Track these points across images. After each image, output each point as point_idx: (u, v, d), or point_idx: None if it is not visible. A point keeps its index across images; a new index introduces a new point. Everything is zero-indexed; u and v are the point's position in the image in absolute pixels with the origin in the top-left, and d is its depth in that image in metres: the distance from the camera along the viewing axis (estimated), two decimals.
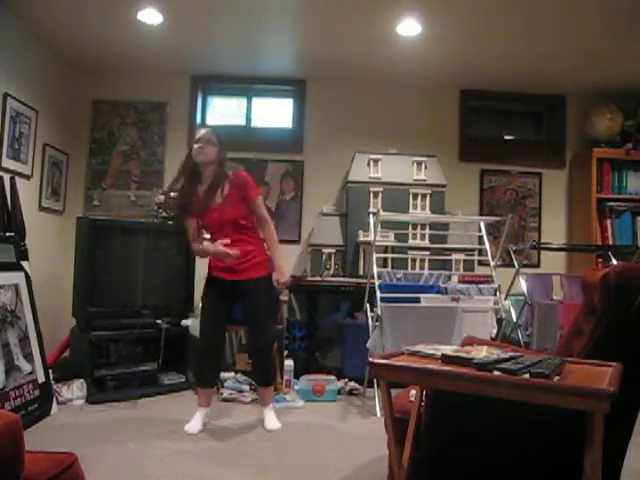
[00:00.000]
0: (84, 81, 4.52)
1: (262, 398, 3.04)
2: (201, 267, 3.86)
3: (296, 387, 3.62)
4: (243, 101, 4.85)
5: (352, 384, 3.71)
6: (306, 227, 4.54)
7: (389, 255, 4.03)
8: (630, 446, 1.53)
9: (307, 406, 3.41)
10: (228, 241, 2.81)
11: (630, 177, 4.42)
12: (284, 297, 4.08)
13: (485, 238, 3.74)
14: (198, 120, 4.70)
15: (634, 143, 4.37)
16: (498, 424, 1.50)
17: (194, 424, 2.85)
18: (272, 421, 2.95)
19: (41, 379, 2.95)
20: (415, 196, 4.18)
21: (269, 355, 3.05)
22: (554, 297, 3.74)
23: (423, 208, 4.18)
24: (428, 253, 4.07)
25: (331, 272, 4.10)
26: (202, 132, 2.89)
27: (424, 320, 3.22)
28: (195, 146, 2.85)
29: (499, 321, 3.44)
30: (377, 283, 3.34)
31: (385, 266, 3.93)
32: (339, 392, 3.64)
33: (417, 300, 3.34)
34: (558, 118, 4.78)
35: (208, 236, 2.98)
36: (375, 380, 3.03)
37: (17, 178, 3.48)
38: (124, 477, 2.20)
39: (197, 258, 3.94)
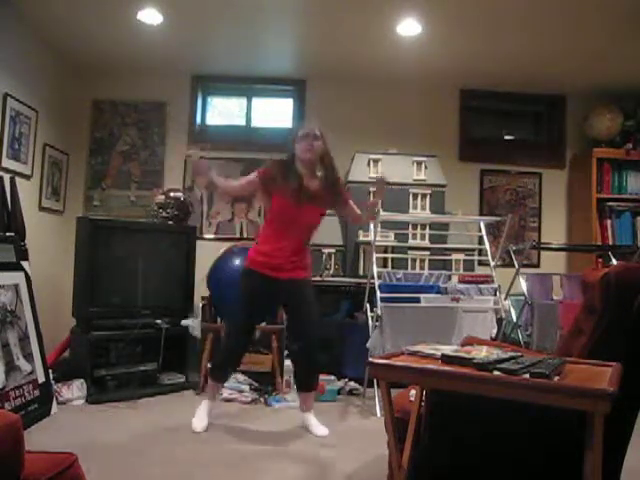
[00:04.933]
0: (84, 81, 4.52)
1: (306, 404, 2.94)
2: (201, 267, 3.88)
3: None
4: (243, 101, 4.85)
5: (352, 384, 3.71)
6: None
7: (389, 255, 4.03)
8: (630, 446, 1.53)
9: None
10: None
11: (630, 177, 4.42)
12: None
13: (485, 238, 3.74)
14: (198, 120, 4.70)
15: (634, 143, 4.37)
16: (498, 424, 1.50)
17: (202, 422, 2.83)
18: (319, 426, 2.86)
19: (41, 379, 2.94)
20: (415, 196, 4.18)
21: (319, 357, 2.94)
22: (554, 297, 3.74)
23: (423, 208, 4.17)
24: (428, 253, 4.07)
25: (331, 272, 4.09)
26: (309, 129, 2.80)
27: (424, 320, 3.22)
28: (303, 144, 2.75)
29: (499, 321, 3.44)
30: (377, 283, 3.34)
31: (385, 266, 3.92)
32: (339, 392, 3.63)
33: (417, 300, 3.34)
34: (558, 118, 4.78)
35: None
36: (375, 380, 3.03)
37: (17, 178, 3.48)
38: (124, 477, 2.20)
39: (197, 258, 3.95)
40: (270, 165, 2.86)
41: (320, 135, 2.80)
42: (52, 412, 2.97)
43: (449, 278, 3.69)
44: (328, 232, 4.23)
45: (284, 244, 2.75)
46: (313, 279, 3.94)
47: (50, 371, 3.12)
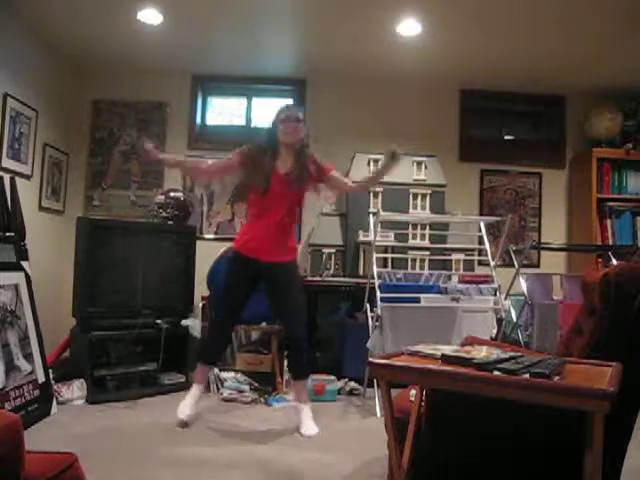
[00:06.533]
0: (84, 81, 4.51)
1: (298, 394, 2.95)
2: (201, 267, 3.89)
3: None
4: (243, 101, 4.85)
5: (352, 384, 3.71)
6: (306, 227, 4.53)
7: (389, 255, 4.03)
8: (630, 446, 1.53)
9: None
10: None
11: (630, 177, 4.42)
12: None
13: (485, 238, 3.74)
14: (198, 120, 4.70)
15: (634, 143, 4.37)
16: (498, 424, 1.50)
17: (186, 407, 2.88)
18: (309, 426, 2.83)
19: (41, 379, 2.94)
20: (415, 196, 4.18)
21: (305, 345, 2.95)
22: (554, 297, 3.74)
23: (423, 208, 4.17)
24: (428, 253, 4.06)
25: (331, 272, 4.09)
26: (290, 110, 2.83)
27: (424, 320, 3.22)
28: (284, 126, 2.76)
29: (499, 321, 3.44)
30: (377, 283, 3.34)
31: (385, 266, 3.92)
32: (339, 392, 3.63)
33: (417, 300, 3.34)
34: (558, 118, 4.78)
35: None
36: (375, 380, 3.03)
37: (17, 178, 3.48)
38: (124, 477, 2.20)
39: (197, 258, 3.95)
40: (248, 149, 2.88)
41: (302, 119, 2.85)
42: (52, 412, 2.97)
43: (449, 278, 3.69)
44: (328, 232, 4.24)
45: (265, 226, 2.82)
46: (313, 279, 3.97)
47: (50, 371, 3.12)
